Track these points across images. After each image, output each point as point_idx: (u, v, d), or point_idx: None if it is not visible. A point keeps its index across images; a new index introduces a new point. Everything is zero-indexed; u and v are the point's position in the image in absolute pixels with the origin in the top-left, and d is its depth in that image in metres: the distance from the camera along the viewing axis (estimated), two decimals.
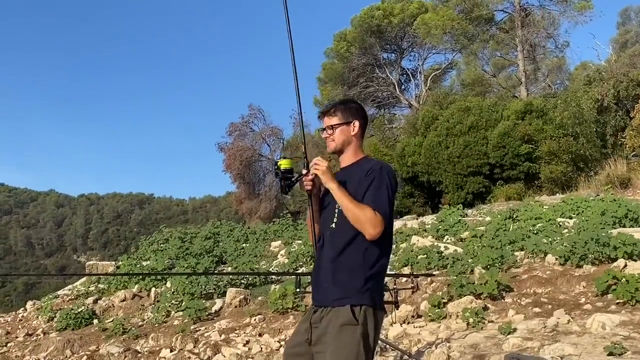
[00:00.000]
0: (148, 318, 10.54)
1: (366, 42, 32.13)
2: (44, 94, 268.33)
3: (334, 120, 3.07)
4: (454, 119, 21.42)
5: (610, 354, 5.14)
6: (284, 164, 3.10)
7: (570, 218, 11.68)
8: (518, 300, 7.53)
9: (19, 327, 12.63)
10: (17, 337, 11.60)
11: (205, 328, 9.17)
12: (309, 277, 6.03)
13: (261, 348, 7.53)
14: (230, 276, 11.41)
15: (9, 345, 11.07)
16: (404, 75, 35.14)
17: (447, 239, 11.79)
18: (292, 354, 2.97)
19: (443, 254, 9.94)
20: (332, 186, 2.88)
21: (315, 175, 3.00)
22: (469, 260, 9.17)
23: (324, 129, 3.10)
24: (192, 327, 9.23)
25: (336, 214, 2.92)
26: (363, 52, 32.57)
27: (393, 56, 35.02)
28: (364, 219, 2.75)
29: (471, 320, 6.90)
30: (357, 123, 3.08)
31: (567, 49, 30.97)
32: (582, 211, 11.90)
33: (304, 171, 3.06)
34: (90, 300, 12.44)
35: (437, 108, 24.16)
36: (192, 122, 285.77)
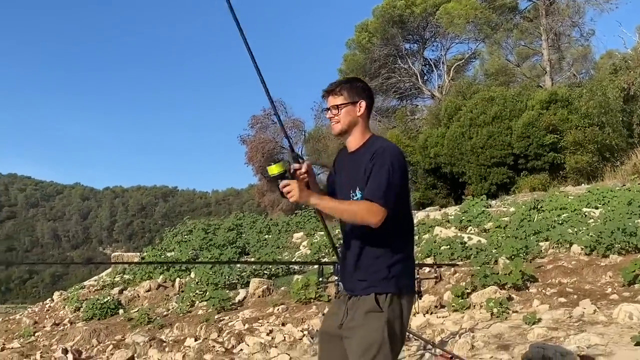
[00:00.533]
0: (173, 308, 10.65)
1: (388, 32, 31.91)
2: (69, 89, 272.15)
3: (339, 100, 2.91)
4: (477, 109, 21.23)
5: (638, 344, 5.07)
6: (272, 169, 2.87)
7: (596, 208, 11.52)
8: (543, 291, 7.47)
9: (46, 317, 12.85)
10: (44, 327, 11.80)
11: (229, 318, 9.24)
12: (331, 266, 6.03)
13: (284, 337, 7.57)
14: (254, 267, 11.46)
15: (36, 334, 11.27)
16: (427, 66, 34.87)
17: (471, 230, 11.71)
18: (326, 334, 3.00)
19: (466, 245, 9.87)
20: (314, 202, 2.76)
21: (309, 165, 2.95)
22: (493, 251, 9.11)
23: (328, 109, 2.96)
24: (216, 317, 9.30)
25: None
26: (385, 43, 32.36)
27: (415, 46, 34.77)
28: (360, 212, 2.69)
29: (495, 310, 6.86)
30: (363, 103, 2.92)
31: (592, 37, 30.52)
32: (608, 201, 11.73)
33: (295, 166, 2.93)
34: (115, 290, 12.59)
35: (460, 98, 23.95)
36: (214, 114, 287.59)
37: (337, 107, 2.91)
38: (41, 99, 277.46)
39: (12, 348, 10.34)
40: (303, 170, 2.92)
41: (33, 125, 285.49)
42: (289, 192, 2.72)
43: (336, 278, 4.26)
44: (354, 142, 2.96)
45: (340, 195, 2.98)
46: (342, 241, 3.06)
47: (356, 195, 2.83)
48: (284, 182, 2.74)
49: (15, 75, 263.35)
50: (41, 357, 8.34)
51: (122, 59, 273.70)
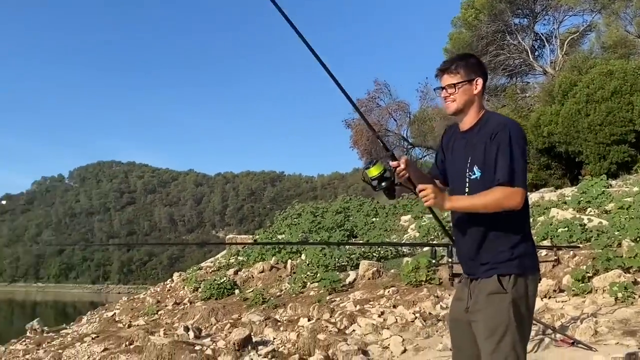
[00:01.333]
0: (285, 289, 10.94)
1: (496, 8, 30.69)
2: (183, 81, 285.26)
3: (456, 78, 2.79)
4: (594, 84, 20.04)
5: None
6: (372, 172, 2.82)
7: None
8: None
9: (168, 296, 13.60)
10: (166, 306, 12.50)
11: (340, 299, 9.36)
12: (442, 249, 5.92)
13: (396, 319, 7.57)
14: (363, 249, 11.54)
15: (159, 312, 11.97)
16: (538, 41, 33.24)
17: (590, 211, 11.13)
18: (454, 320, 2.96)
19: (586, 227, 9.40)
20: (450, 206, 2.71)
21: (406, 160, 2.86)
22: (616, 233, 8.62)
23: (443, 88, 2.83)
24: (327, 298, 9.46)
25: (467, 184, 2.78)
26: (493, 19, 31.16)
27: (525, 21, 33.21)
28: (500, 200, 2.60)
29: (620, 295, 6.51)
30: (480, 81, 2.81)
31: None
32: None
33: (393, 164, 2.85)
34: (231, 271, 13.10)
35: (576, 73, 22.70)
36: (319, 99, 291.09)
37: (454, 85, 2.80)
38: (157, 90, 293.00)
39: (137, 325, 11.06)
40: (402, 166, 2.84)
41: (149, 116, 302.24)
42: (424, 197, 2.68)
43: (450, 260, 4.20)
44: (468, 120, 2.86)
45: (453, 175, 2.91)
46: (452, 223, 2.99)
47: (474, 174, 2.75)
48: (421, 186, 2.70)
49: (133, 72, 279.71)
50: (164, 334, 8.82)
51: (228, 53, 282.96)
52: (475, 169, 2.74)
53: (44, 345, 10.72)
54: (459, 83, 2.80)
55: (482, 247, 2.76)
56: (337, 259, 11.23)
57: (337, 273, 10.57)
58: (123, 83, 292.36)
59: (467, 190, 2.79)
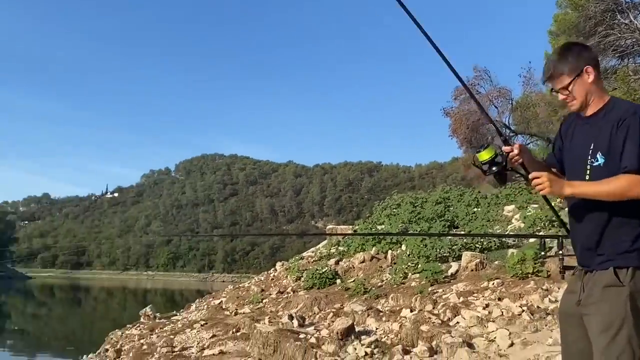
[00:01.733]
0: (386, 279, 10.94)
1: None
2: (281, 73, 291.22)
3: (565, 80, 2.67)
4: None
5: None
6: (482, 155, 2.77)
7: None
8: None
9: (272, 285, 13.99)
10: (270, 295, 12.86)
11: (443, 290, 9.25)
12: (551, 240, 5.68)
13: (502, 312, 7.37)
14: (465, 240, 11.32)
15: (264, 301, 12.33)
16: None
17: None
18: (564, 313, 2.86)
19: None
20: (570, 192, 2.60)
21: (521, 146, 2.77)
22: None
23: (557, 91, 2.73)
24: (429, 289, 9.37)
25: (588, 169, 2.64)
26: None
27: None
28: (627, 188, 2.48)
29: None
30: (589, 68, 2.66)
31: None
32: None
33: (506, 149, 2.78)
34: (332, 261, 13.26)
35: None
36: (416, 87, 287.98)
37: (566, 87, 2.70)
38: (257, 82, 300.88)
39: (243, 313, 11.44)
40: (515, 152, 2.78)
41: (251, 110, 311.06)
42: (538, 185, 2.60)
43: (560, 252, 4.04)
44: (592, 108, 2.74)
45: (572, 161, 2.79)
46: (568, 210, 2.87)
47: (597, 160, 2.62)
48: (534, 174, 2.62)
49: (236, 70, 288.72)
50: (269, 322, 9.07)
51: (329, 42, 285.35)
52: (599, 155, 2.62)
53: (156, 331, 11.34)
54: (569, 84, 2.69)
55: (603, 235, 2.62)
56: (438, 250, 11.09)
57: (439, 264, 10.44)
58: (225, 81, 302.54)
59: (587, 177, 2.66)
